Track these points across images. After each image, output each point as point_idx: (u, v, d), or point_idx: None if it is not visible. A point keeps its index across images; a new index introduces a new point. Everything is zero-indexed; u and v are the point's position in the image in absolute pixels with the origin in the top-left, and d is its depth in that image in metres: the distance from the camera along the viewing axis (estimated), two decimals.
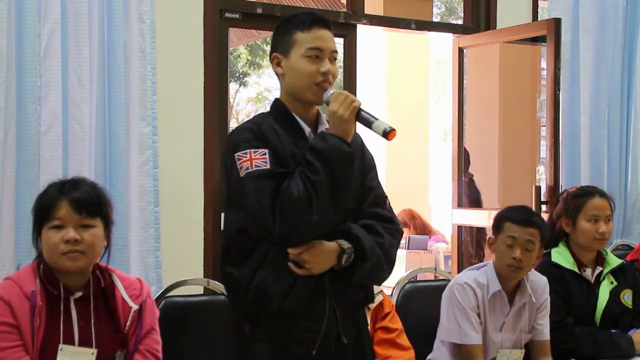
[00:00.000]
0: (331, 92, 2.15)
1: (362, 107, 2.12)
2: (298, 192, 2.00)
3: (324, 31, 2.18)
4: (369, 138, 2.36)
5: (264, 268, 2.10)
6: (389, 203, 2.29)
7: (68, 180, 2.33)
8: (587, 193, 3.23)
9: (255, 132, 2.13)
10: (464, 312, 2.87)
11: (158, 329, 2.40)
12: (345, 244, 2.11)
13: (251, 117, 2.28)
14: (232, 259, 2.17)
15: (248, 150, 2.08)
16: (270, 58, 2.25)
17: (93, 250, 2.26)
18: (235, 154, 2.10)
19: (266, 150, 2.08)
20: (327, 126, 2.18)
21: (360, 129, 2.23)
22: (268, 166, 2.05)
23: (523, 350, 2.97)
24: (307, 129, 2.21)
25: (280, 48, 2.21)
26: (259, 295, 2.10)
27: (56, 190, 2.27)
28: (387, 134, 2.07)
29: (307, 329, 2.13)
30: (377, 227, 2.17)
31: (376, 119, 2.11)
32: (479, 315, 2.90)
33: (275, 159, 2.08)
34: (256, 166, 2.06)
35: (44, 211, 2.25)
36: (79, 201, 2.24)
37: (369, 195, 2.22)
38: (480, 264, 3.10)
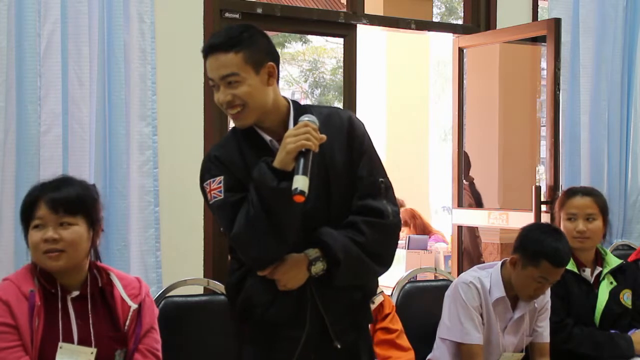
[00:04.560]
0: (306, 118, 2.05)
1: (309, 152, 1.98)
2: (238, 229, 2.02)
3: (213, 58, 2.10)
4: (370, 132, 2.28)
5: (253, 276, 2.12)
6: (386, 186, 2.17)
7: (51, 180, 2.34)
8: (570, 193, 3.25)
9: (213, 159, 2.14)
10: (468, 311, 2.87)
11: (157, 328, 2.40)
12: (313, 253, 2.08)
13: None
14: (231, 266, 2.22)
15: (208, 181, 2.11)
16: None
17: (74, 249, 2.25)
18: (202, 185, 2.14)
19: (222, 178, 2.09)
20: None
21: (361, 111, 2.20)
22: (222, 196, 2.07)
23: (523, 354, 2.98)
24: (267, 137, 2.15)
25: None
26: (246, 303, 2.15)
27: (36, 190, 2.29)
28: (294, 194, 1.93)
29: (288, 337, 2.13)
30: (359, 225, 2.09)
31: (303, 174, 1.95)
32: (481, 315, 2.89)
33: (233, 184, 2.08)
34: (214, 197, 2.09)
35: (26, 212, 2.28)
36: (55, 201, 2.24)
37: (358, 186, 2.14)
38: (487, 264, 3.10)
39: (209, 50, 2.11)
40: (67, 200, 2.26)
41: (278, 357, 2.16)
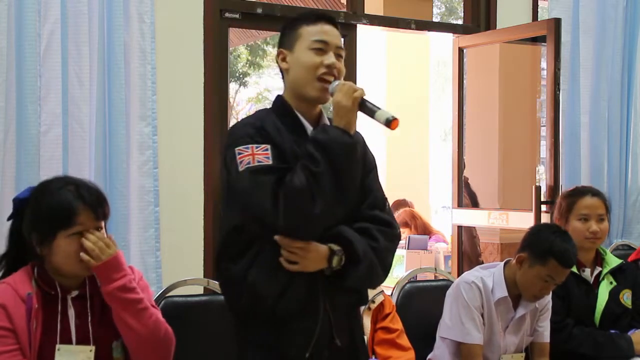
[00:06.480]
0: (336, 83, 2.13)
1: (365, 97, 2.11)
2: (300, 183, 1.97)
3: (330, 27, 2.19)
4: (367, 138, 2.34)
5: (258, 267, 2.06)
6: (389, 205, 2.27)
7: (74, 181, 2.29)
8: (578, 193, 3.25)
9: (257, 127, 2.09)
10: (469, 311, 2.87)
11: (157, 307, 2.38)
12: (335, 247, 2.08)
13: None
14: (228, 256, 2.13)
15: (250, 145, 2.05)
16: (276, 55, 2.25)
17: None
18: (236, 148, 2.06)
19: (268, 146, 2.06)
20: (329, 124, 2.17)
21: (363, 127, 2.23)
22: (270, 162, 2.03)
23: (523, 354, 2.98)
24: (309, 127, 2.17)
25: (286, 44, 2.21)
26: (253, 295, 2.07)
27: (71, 194, 2.22)
28: (390, 122, 2.07)
29: (301, 330, 2.09)
30: (372, 231, 2.13)
31: (379, 108, 2.10)
32: (482, 316, 2.89)
33: (278, 156, 2.06)
34: (258, 161, 2.02)
35: (63, 218, 2.19)
36: (96, 206, 2.23)
37: (368, 196, 2.19)
38: (489, 264, 3.10)
39: (329, 18, 2.20)
40: (103, 204, 2.26)
41: (291, 353, 2.10)
